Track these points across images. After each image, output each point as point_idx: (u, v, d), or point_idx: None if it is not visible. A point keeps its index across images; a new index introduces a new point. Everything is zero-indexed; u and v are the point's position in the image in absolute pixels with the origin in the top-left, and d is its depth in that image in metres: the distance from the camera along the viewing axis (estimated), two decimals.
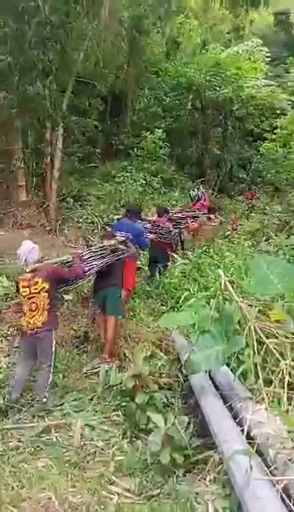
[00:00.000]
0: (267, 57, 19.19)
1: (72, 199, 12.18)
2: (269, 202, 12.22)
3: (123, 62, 15.10)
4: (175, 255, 7.09)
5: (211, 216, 8.96)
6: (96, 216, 11.34)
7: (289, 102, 19.69)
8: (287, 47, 23.82)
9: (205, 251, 6.64)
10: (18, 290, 4.53)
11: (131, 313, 5.64)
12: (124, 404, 3.83)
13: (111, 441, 3.49)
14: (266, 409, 2.70)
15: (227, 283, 3.49)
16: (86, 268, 5.02)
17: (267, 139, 16.61)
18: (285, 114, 18.55)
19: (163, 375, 4.30)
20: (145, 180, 13.22)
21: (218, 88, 16.50)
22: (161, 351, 4.78)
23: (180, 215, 8.61)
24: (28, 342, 4.43)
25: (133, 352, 4.82)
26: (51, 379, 4.16)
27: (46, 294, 4.34)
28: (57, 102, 10.00)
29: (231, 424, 2.71)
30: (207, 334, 3.25)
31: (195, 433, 3.28)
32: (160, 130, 15.03)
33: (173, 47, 18.62)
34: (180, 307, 5.48)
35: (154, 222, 7.51)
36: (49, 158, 11.17)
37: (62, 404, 4.05)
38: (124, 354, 4.92)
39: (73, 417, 3.81)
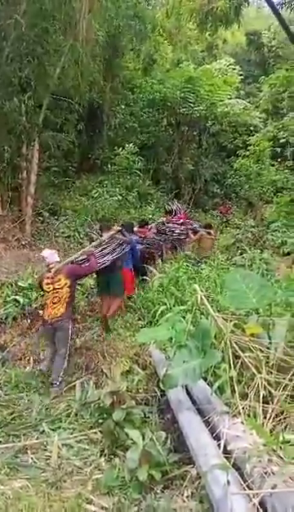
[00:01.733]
0: (240, 75, 19.81)
1: (47, 214, 12.11)
2: (242, 216, 12.46)
3: (99, 78, 15.27)
4: (153, 269, 7.15)
5: (211, 231, 9.93)
6: (73, 230, 11.30)
7: (261, 120, 20.36)
8: (259, 66, 24.69)
9: (181, 267, 6.70)
10: (41, 287, 5.33)
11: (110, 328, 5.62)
12: (101, 421, 3.81)
13: (89, 459, 3.44)
14: (242, 423, 2.75)
15: (203, 297, 3.54)
16: (100, 261, 5.88)
17: (240, 155, 17.01)
18: (257, 131, 19.14)
19: (140, 391, 4.30)
20: (121, 194, 13.28)
21: (192, 105, 16.85)
22: (138, 366, 4.77)
23: (171, 225, 9.35)
24: (49, 331, 5.09)
25: (110, 367, 4.80)
26: (65, 366, 4.76)
27: (68, 289, 5.09)
28: (34, 117, 9.99)
29: (208, 438, 2.73)
30: (184, 349, 3.28)
31: (172, 448, 3.30)
32: (131, 145, 15.19)
33: (148, 64, 18.97)
34: (157, 321, 5.53)
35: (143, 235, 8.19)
36: (25, 172, 11.10)
37: (38, 421, 3.98)
38: (101, 370, 4.88)
39: (50, 436, 3.75)
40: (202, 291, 3.71)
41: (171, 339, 4.28)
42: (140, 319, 5.99)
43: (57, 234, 11.45)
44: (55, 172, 13.82)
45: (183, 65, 17.95)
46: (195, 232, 9.64)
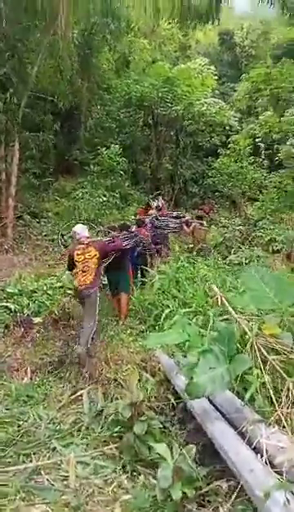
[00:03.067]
0: (214, 75, 19.83)
1: (29, 217, 11.74)
2: (228, 215, 12.42)
3: (76, 77, 14.95)
4: (151, 270, 6.98)
5: (203, 222, 10.36)
6: (56, 232, 10.97)
7: (236, 119, 20.45)
8: (232, 66, 24.81)
9: (179, 267, 6.52)
10: (71, 260, 5.79)
11: (111, 333, 5.37)
12: (116, 434, 3.58)
13: (108, 477, 3.21)
14: (282, 432, 2.59)
15: (223, 298, 3.37)
16: (125, 243, 6.63)
17: (221, 154, 17.01)
18: (233, 131, 19.22)
19: (152, 399, 4.09)
20: (104, 195, 13.02)
21: (170, 105, 16.73)
22: (146, 372, 4.55)
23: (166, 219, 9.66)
24: (80, 298, 5.68)
25: (117, 375, 4.56)
26: (94, 330, 5.28)
27: (96, 261, 5.64)
28: (14, 117, 9.61)
29: (248, 450, 2.56)
30: (209, 354, 3.09)
31: (198, 461, 3.11)
32: (116, 145, 14.97)
33: (123, 64, 18.74)
34: (160, 325, 5.34)
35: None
36: (4, 174, 10.69)
37: (48, 438, 3.71)
38: (107, 378, 4.63)
39: (62, 453, 3.49)
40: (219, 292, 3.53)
41: (183, 343, 4.13)
42: (140, 323, 5.77)
43: (40, 237, 11.09)
44: (34, 174, 13.44)
45: (159, 64, 17.76)
46: (188, 225, 9.84)
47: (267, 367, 3.03)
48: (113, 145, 14.70)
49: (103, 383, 4.60)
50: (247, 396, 2.83)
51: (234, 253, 7.91)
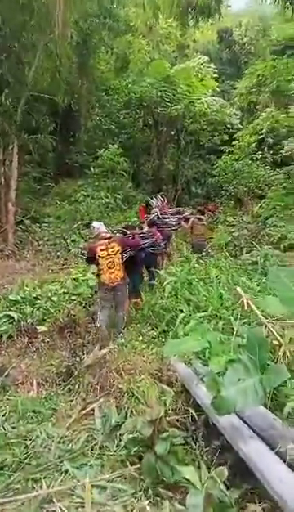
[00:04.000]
0: (214, 73, 19.57)
1: (29, 221, 11.44)
2: (235, 213, 12.11)
3: (74, 79, 14.70)
4: (159, 271, 6.67)
5: (202, 217, 10.33)
6: (58, 237, 10.66)
7: (238, 117, 20.19)
8: (231, 63, 24.57)
9: (190, 269, 6.19)
10: (93, 255, 5.78)
11: (122, 341, 5.03)
12: (133, 453, 3.25)
13: (128, 502, 2.88)
14: None
15: (250, 302, 3.04)
16: (141, 242, 6.59)
17: (225, 152, 16.73)
18: (234, 129, 18.94)
19: (169, 411, 3.76)
20: (107, 197, 12.73)
21: (170, 104, 16.45)
22: (161, 383, 4.22)
23: (167, 218, 9.38)
24: (108, 293, 5.74)
25: (130, 387, 4.22)
26: (125, 320, 5.75)
27: (120, 256, 5.75)
28: (12, 118, 9.33)
29: (290, 474, 2.24)
30: (238, 364, 2.77)
31: (227, 481, 2.78)
32: (115, 145, 14.68)
33: (122, 64, 18.48)
34: (174, 331, 5.02)
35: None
36: (3, 178, 10.40)
37: (58, 459, 3.38)
38: (119, 390, 4.29)
39: (75, 476, 3.16)
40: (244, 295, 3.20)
41: (201, 351, 3.82)
42: (152, 329, 5.43)
43: (41, 242, 10.77)
44: (33, 178, 13.16)
45: (158, 61, 17.48)
46: (187, 220, 9.89)
47: None
48: (112, 146, 14.37)
49: (115, 395, 4.25)
50: (286, 411, 2.50)
51: (247, 252, 7.59)
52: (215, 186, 17.59)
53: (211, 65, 19.63)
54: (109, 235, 5.96)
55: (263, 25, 23.63)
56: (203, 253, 8.37)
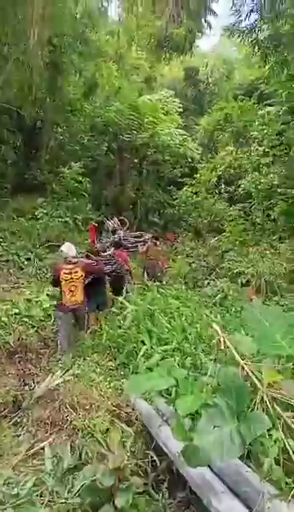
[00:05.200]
0: (179, 107, 20.17)
1: None
2: (193, 245, 12.19)
3: (40, 96, 14.48)
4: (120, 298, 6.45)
5: (157, 242, 10.60)
6: (12, 253, 10.13)
7: (198, 152, 20.78)
8: (195, 101, 25.50)
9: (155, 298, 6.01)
10: (57, 278, 5.93)
11: (78, 371, 4.66)
12: (88, 502, 2.91)
13: None
14: None
15: (226, 340, 2.88)
16: (105, 268, 6.87)
17: (186, 184, 17.07)
18: (194, 163, 19.46)
19: (128, 454, 3.47)
20: (67, 217, 12.42)
21: (136, 132, 16.64)
22: (119, 420, 3.92)
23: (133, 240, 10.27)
24: (68, 314, 5.90)
25: (85, 423, 3.89)
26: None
27: (83, 281, 5.94)
28: None
29: None
30: (213, 410, 2.56)
31: None
32: (77, 164, 14.49)
33: (90, 88, 18.54)
34: (133, 363, 4.76)
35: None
36: None
37: (2, 507, 2.97)
38: (73, 426, 3.93)
39: None
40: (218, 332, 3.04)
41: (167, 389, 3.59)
42: (110, 360, 5.11)
43: None
44: None
45: (127, 88, 17.76)
46: (144, 243, 10.50)
47: (278, 425, 2.56)
48: (74, 164, 14.19)
49: (69, 432, 3.89)
50: (266, 465, 2.31)
51: (206, 286, 7.55)
52: (173, 216, 17.79)
53: (177, 100, 20.25)
54: (74, 260, 6.04)
55: (227, 68, 24.84)
56: (160, 280, 8.36)
